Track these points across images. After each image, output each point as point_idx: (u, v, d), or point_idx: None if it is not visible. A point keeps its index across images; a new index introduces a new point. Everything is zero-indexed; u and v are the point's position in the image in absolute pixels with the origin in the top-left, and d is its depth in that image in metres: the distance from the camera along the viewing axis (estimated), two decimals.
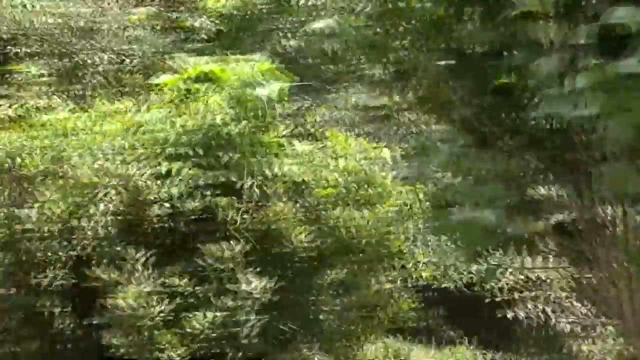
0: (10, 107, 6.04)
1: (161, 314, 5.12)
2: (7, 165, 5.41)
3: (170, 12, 8.53)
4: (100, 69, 8.20)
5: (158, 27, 8.36)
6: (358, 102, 7.82)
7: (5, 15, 8.33)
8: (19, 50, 7.83)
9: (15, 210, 5.40)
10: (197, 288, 5.23)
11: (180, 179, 5.34)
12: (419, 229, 5.97)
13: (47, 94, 6.56)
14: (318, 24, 5.78)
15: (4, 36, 8.20)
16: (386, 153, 5.94)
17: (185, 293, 5.23)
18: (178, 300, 5.20)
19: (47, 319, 5.45)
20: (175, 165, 5.38)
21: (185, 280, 5.24)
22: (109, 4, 8.48)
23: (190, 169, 5.38)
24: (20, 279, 5.45)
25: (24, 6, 8.44)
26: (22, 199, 5.45)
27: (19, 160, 5.43)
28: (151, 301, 5.12)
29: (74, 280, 5.33)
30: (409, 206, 5.86)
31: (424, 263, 6.08)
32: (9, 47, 8.25)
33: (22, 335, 5.50)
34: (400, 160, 5.55)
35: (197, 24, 8.19)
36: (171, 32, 8.36)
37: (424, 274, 6.08)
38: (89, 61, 8.22)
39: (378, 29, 4.60)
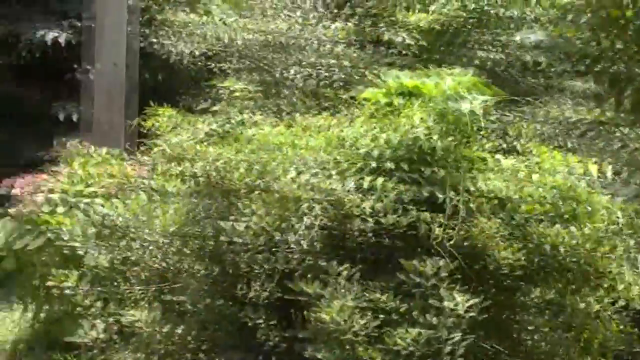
0: (217, 122, 6.19)
1: (364, 329, 5.09)
2: (215, 179, 5.53)
3: (368, 26, 8.55)
4: (298, 83, 8.30)
5: (356, 42, 8.40)
6: (560, 116, 7.60)
7: (208, 32, 8.58)
8: (223, 66, 8.04)
9: (222, 223, 5.50)
10: (400, 304, 5.18)
11: (384, 194, 5.31)
12: (627, 249, 5.74)
13: (251, 109, 6.68)
14: (527, 36, 5.67)
15: (208, 53, 8.45)
16: (593, 168, 5.73)
17: (388, 308, 5.18)
18: (381, 315, 5.16)
19: (251, 330, 5.52)
20: (379, 180, 5.36)
21: (388, 295, 5.20)
22: (306, 19, 8.58)
23: (393, 184, 5.35)
24: (226, 290, 5.55)
25: (225, 23, 8.68)
26: (228, 212, 5.55)
27: (226, 174, 5.53)
28: (354, 316, 5.10)
29: (278, 293, 5.37)
30: (617, 224, 5.64)
31: (632, 284, 5.83)
32: (212, 64, 8.50)
33: (228, 345, 5.60)
34: (611, 177, 5.36)
35: (395, 38, 8.16)
36: (369, 46, 8.38)
37: (632, 295, 5.83)
38: (287, 76, 8.35)
39: (591, 41, 4.46)
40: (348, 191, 5.33)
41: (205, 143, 5.90)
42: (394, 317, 5.19)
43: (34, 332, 9.31)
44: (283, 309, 5.50)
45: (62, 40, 12.70)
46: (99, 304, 6.04)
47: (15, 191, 8.77)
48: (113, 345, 6.03)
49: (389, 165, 5.42)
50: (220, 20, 8.76)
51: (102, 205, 6.02)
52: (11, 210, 8.64)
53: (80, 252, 6.38)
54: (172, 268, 5.79)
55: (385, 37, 8.27)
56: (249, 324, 5.47)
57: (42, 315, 8.87)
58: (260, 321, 5.46)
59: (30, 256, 8.42)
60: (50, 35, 12.68)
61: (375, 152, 5.47)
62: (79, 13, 12.71)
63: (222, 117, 6.38)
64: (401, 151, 5.45)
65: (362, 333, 5.09)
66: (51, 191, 8.33)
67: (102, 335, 6.01)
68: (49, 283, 6.10)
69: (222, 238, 5.49)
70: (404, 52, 8.14)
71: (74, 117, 12.57)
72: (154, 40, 9.32)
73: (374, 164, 5.46)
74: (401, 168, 5.41)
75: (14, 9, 13.36)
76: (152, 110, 6.46)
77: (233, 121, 6.24)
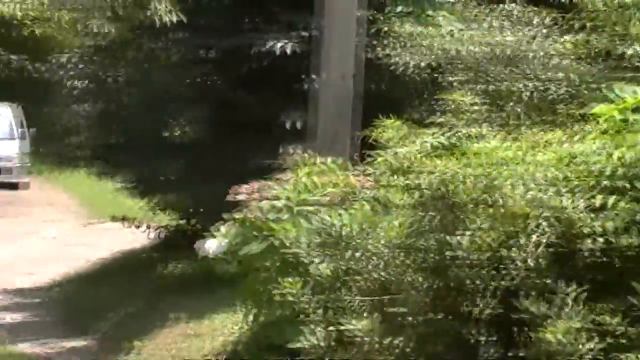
0: (443, 135, 6.16)
1: (590, 352, 4.93)
2: (440, 192, 5.49)
3: (597, 39, 8.28)
4: (524, 97, 8.14)
5: (585, 55, 8.15)
6: None
7: (434, 44, 8.56)
8: (448, 78, 7.99)
9: (446, 237, 5.45)
10: (629, 328, 4.98)
11: (616, 213, 5.13)
12: None
13: (478, 122, 6.60)
14: None
15: (433, 64, 8.42)
16: None
17: (617, 332, 4.99)
18: (608, 339, 4.98)
19: (472, 347, 5.44)
20: (611, 199, 5.18)
21: (617, 319, 5.01)
22: (534, 32, 8.41)
23: (627, 203, 5.16)
24: (447, 304, 5.50)
25: (452, 36, 8.63)
26: (453, 225, 5.49)
27: (451, 187, 5.49)
28: (580, 338, 4.95)
29: (501, 310, 5.28)
30: None
31: None
32: (436, 75, 8.46)
33: None
34: None
35: (628, 51, 7.86)
36: (599, 60, 8.12)
37: None
38: (513, 89, 8.19)
39: None
40: (578, 209, 5.17)
41: (431, 155, 5.88)
42: (622, 341, 5.00)
43: (253, 334, 9.55)
44: (505, 327, 5.39)
45: (288, 50, 12.99)
46: (319, 311, 6.10)
47: (242, 197, 9.01)
48: (332, 353, 6.08)
49: (623, 183, 5.23)
50: (447, 32, 8.71)
51: (330, 216, 6.08)
52: (236, 215, 8.87)
53: (303, 259, 6.46)
54: (393, 280, 5.78)
55: (619, 51, 7.96)
56: (470, 340, 5.40)
57: (262, 318, 9.07)
58: (482, 338, 5.38)
59: (253, 260, 8.62)
60: (278, 46, 12.99)
61: (608, 170, 5.30)
62: (307, 23, 12.96)
63: (449, 129, 6.34)
64: (636, 169, 5.25)
65: (588, 356, 4.93)
66: (276, 198, 8.50)
67: (322, 343, 6.06)
68: (276, 290, 6.21)
69: (446, 252, 5.44)
70: (636, 65, 7.82)
71: (299, 126, 12.81)
72: (380, 51, 9.36)
73: (606, 182, 5.28)
74: (635, 187, 5.21)
75: (248, 21, 13.81)
76: (379, 121, 6.49)
77: (460, 134, 6.19)
